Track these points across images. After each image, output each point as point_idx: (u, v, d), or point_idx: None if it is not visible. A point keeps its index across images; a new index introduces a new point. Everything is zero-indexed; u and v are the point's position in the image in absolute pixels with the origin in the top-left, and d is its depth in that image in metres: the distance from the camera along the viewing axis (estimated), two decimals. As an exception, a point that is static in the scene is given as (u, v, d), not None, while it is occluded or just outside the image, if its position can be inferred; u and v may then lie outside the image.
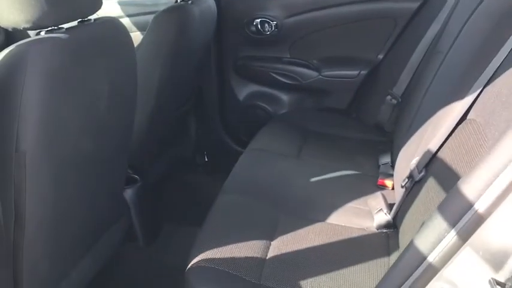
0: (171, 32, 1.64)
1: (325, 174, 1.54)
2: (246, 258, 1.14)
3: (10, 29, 0.98)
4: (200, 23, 1.79)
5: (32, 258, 1.05)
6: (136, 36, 1.86)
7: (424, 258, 0.72)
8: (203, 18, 1.82)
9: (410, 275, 0.74)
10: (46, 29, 1.01)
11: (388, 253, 1.19)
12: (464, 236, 0.69)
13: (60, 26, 1.03)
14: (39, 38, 0.98)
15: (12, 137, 0.93)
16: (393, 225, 1.29)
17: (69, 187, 1.11)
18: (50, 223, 1.07)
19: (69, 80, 1.01)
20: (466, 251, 0.69)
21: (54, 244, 1.13)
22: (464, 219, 0.69)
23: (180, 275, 1.14)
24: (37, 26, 0.98)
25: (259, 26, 2.07)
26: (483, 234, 0.67)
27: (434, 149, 1.11)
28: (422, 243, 0.74)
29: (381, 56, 2.03)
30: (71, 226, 1.17)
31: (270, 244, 1.20)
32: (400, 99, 1.82)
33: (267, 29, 2.07)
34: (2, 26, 0.98)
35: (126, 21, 2.04)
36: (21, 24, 0.95)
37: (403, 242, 1.16)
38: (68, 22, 1.05)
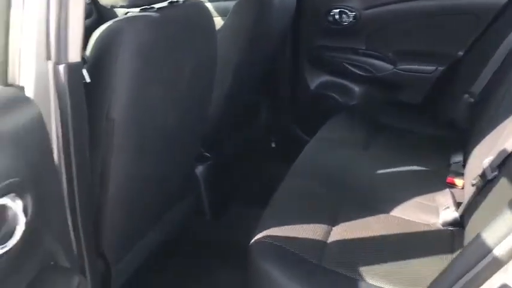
0: (251, 17, 1.69)
1: (392, 167, 1.53)
2: (308, 239, 1.17)
3: (109, 7, 1.07)
4: (279, 10, 1.83)
5: (112, 219, 1.14)
6: (216, 22, 1.92)
7: (490, 250, 0.72)
8: (282, 6, 1.86)
9: (474, 266, 0.74)
10: (140, 8, 1.09)
11: (452, 250, 1.18)
12: (535, 232, 0.68)
13: (152, 6, 1.11)
14: (134, 16, 1.06)
15: (104, 105, 1.01)
16: (460, 224, 1.27)
17: (149, 156, 1.19)
18: (130, 188, 1.16)
19: (157, 56, 1.09)
20: (535, 247, 0.68)
21: (132, 208, 1.22)
22: (536, 215, 0.68)
23: (243, 251, 1.19)
24: (133, 5, 1.06)
25: (337, 16, 2.07)
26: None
27: (510, 148, 1.09)
28: (490, 236, 0.74)
29: (461, 53, 1.97)
30: (147, 192, 1.26)
31: (332, 229, 1.22)
32: (477, 98, 1.76)
33: (344, 20, 2.06)
34: (102, 3, 1.07)
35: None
36: (119, 3, 1.03)
37: (469, 240, 1.15)
38: (159, 2, 1.13)
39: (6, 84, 0.83)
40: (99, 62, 1.00)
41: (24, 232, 0.75)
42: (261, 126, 2.34)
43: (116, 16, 1.71)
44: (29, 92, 0.83)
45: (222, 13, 2.21)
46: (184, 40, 1.21)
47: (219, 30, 1.70)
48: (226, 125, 1.86)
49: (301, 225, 1.21)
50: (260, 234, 1.18)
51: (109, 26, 1.02)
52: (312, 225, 1.22)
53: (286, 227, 1.20)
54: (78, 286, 0.86)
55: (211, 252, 1.73)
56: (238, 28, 1.70)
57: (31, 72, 0.83)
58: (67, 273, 0.90)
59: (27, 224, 0.75)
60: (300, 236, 1.18)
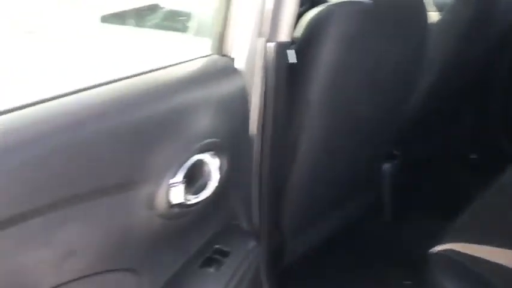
0: (469, 14, 1.56)
1: None
2: (496, 264, 1.05)
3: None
4: (503, 9, 1.64)
5: (294, 194, 1.18)
6: (432, 16, 1.81)
7: None
8: (508, 4, 1.66)
9: None
10: None
11: None
12: None
13: None
14: (347, 1, 1.07)
15: (303, 86, 1.04)
16: None
17: (338, 140, 1.19)
18: (317, 167, 1.19)
19: (363, 44, 1.08)
20: None
21: (314, 188, 1.24)
22: None
23: (416, 258, 1.12)
24: None
25: None
26: None
27: None
28: None
29: None
30: (330, 176, 1.27)
31: (528, 259, 1.07)
32: None
33: None
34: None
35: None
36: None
37: None
38: None
39: (222, 54, 0.92)
40: (306, 43, 1.04)
41: (216, 188, 0.83)
42: (460, 134, 2.14)
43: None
44: (239, 64, 0.91)
45: (440, 8, 2.07)
46: (393, 31, 1.17)
47: (434, 24, 1.60)
48: (422, 125, 1.75)
49: (492, 248, 1.09)
50: (442, 245, 1.09)
51: (321, 10, 1.04)
52: (506, 251, 1.08)
53: (474, 245, 1.09)
54: (253, 249, 0.92)
55: (382, 253, 1.66)
56: (453, 24, 1.59)
57: (243, 46, 0.90)
58: (245, 235, 0.97)
59: (220, 181, 0.83)
60: (487, 258, 1.05)
